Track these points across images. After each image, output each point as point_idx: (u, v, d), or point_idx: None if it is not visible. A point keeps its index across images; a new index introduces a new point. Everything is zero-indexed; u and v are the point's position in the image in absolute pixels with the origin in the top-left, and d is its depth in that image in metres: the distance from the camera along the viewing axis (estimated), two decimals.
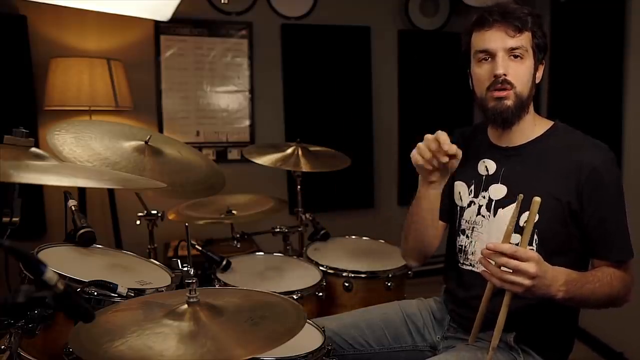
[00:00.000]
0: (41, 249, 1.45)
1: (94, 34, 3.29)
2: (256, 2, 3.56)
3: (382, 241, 2.35)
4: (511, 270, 1.13)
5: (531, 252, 1.15)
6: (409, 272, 2.08)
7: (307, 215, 2.40)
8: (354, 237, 2.44)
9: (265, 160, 2.30)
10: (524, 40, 1.33)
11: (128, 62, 3.24)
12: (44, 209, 3.18)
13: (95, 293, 1.29)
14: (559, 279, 1.19)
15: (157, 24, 3.39)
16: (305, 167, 2.29)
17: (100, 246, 1.64)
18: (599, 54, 2.74)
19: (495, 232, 1.40)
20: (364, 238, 2.42)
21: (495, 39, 1.35)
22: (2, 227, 1.21)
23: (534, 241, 1.34)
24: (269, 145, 2.52)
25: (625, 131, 2.61)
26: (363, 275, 1.99)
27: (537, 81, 1.40)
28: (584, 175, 1.29)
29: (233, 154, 3.63)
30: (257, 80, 3.63)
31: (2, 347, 1.15)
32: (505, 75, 1.33)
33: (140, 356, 0.92)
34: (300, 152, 2.34)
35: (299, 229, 2.45)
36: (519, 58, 1.34)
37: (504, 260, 1.13)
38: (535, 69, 1.38)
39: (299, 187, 2.43)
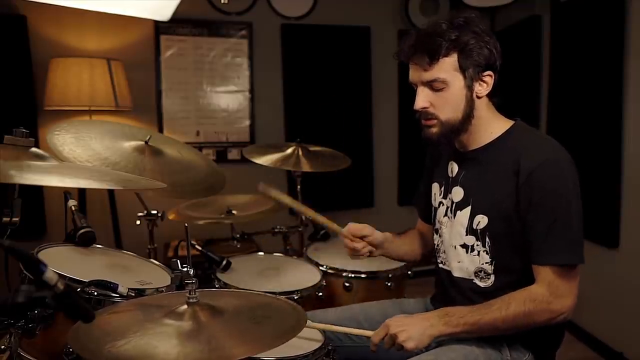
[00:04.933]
0: (41, 249, 1.45)
1: (94, 34, 3.29)
2: (256, 2, 3.56)
3: None
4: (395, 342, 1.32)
5: (386, 322, 1.35)
6: (409, 272, 2.08)
7: None
8: None
9: (265, 160, 2.31)
10: (441, 69, 1.29)
11: (128, 62, 3.24)
12: (44, 209, 3.18)
13: (95, 293, 1.29)
14: (431, 317, 1.33)
15: (157, 24, 3.39)
16: (305, 167, 2.30)
17: (100, 246, 1.64)
18: (599, 54, 2.73)
19: (453, 233, 1.43)
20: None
21: (413, 73, 1.35)
22: (2, 227, 1.21)
23: (486, 244, 1.36)
24: (269, 145, 2.52)
25: (625, 131, 2.60)
26: (363, 275, 1.99)
27: (483, 94, 1.34)
28: (522, 178, 1.28)
29: (233, 154, 3.63)
30: (257, 80, 3.64)
31: (2, 347, 1.15)
32: (425, 108, 1.34)
33: (148, 355, 0.93)
34: (300, 152, 2.35)
35: (299, 229, 2.45)
36: (438, 90, 1.32)
37: (386, 344, 1.34)
38: (470, 87, 1.32)
39: (299, 187, 2.44)
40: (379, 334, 1.34)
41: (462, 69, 1.31)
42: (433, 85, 1.32)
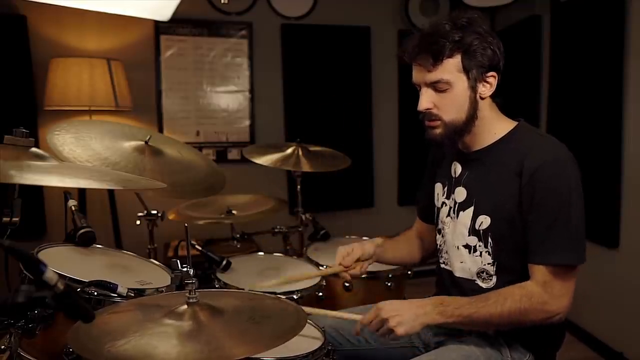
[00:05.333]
0: (41, 249, 1.45)
1: (94, 34, 3.29)
2: (256, 2, 3.56)
3: None
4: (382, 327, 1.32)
5: (377, 305, 1.33)
6: (409, 272, 2.08)
7: (307, 215, 2.40)
8: (354, 237, 2.44)
9: (265, 160, 2.30)
10: (445, 70, 1.29)
11: (128, 62, 3.24)
12: (44, 209, 3.18)
13: (95, 293, 1.29)
14: (425, 305, 1.32)
15: (157, 24, 3.39)
16: (305, 167, 2.29)
17: (100, 246, 1.64)
18: (599, 54, 2.73)
19: (456, 233, 1.43)
20: (364, 238, 2.42)
21: (417, 73, 1.35)
22: (2, 227, 1.21)
23: (489, 244, 1.36)
24: (269, 145, 2.52)
25: (625, 131, 2.60)
26: (363, 276, 1.98)
27: (486, 95, 1.34)
28: (525, 179, 1.28)
29: (233, 154, 3.63)
30: (257, 80, 3.64)
31: (2, 347, 1.15)
32: (429, 109, 1.34)
33: (148, 355, 0.93)
34: (300, 152, 2.34)
35: (299, 229, 2.45)
36: (442, 91, 1.32)
37: (373, 326, 1.33)
38: (474, 88, 1.32)
39: (299, 187, 2.43)
40: (369, 316, 1.33)
41: (466, 70, 1.31)
42: (437, 87, 1.32)
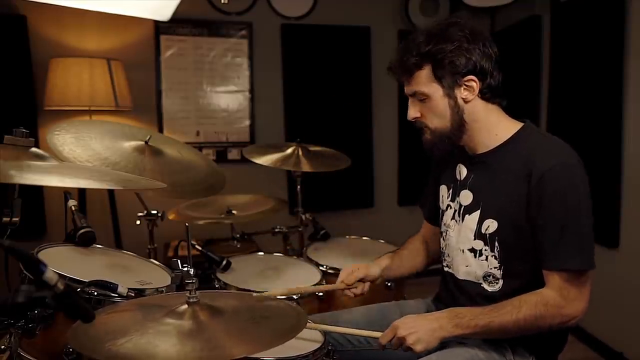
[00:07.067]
0: (41, 249, 1.45)
1: (94, 34, 3.29)
2: (256, 2, 3.56)
3: (382, 241, 2.35)
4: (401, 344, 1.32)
5: (394, 323, 1.33)
6: None
7: (307, 215, 2.40)
8: (354, 237, 2.44)
9: (265, 160, 2.30)
10: (418, 82, 1.35)
11: (128, 62, 3.24)
12: (44, 209, 3.18)
13: (95, 293, 1.29)
14: (440, 318, 1.31)
15: (157, 24, 3.39)
16: (305, 167, 2.29)
17: (100, 246, 1.64)
18: (599, 54, 2.73)
19: (461, 237, 1.42)
20: (364, 238, 2.42)
21: (404, 86, 1.41)
22: (2, 227, 1.21)
23: (495, 249, 1.35)
24: (269, 145, 2.52)
25: (625, 131, 2.61)
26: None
27: (470, 99, 1.34)
28: (534, 182, 1.27)
29: (233, 154, 3.63)
30: (257, 80, 3.64)
31: (2, 347, 1.16)
32: (416, 117, 1.40)
33: (148, 354, 0.93)
34: (300, 152, 2.34)
35: (299, 229, 2.45)
36: (422, 100, 1.37)
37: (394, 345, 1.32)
38: (450, 95, 1.34)
39: (299, 187, 2.43)
40: (387, 335, 1.33)
41: (438, 79, 1.33)
42: (417, 97, 1.37)
